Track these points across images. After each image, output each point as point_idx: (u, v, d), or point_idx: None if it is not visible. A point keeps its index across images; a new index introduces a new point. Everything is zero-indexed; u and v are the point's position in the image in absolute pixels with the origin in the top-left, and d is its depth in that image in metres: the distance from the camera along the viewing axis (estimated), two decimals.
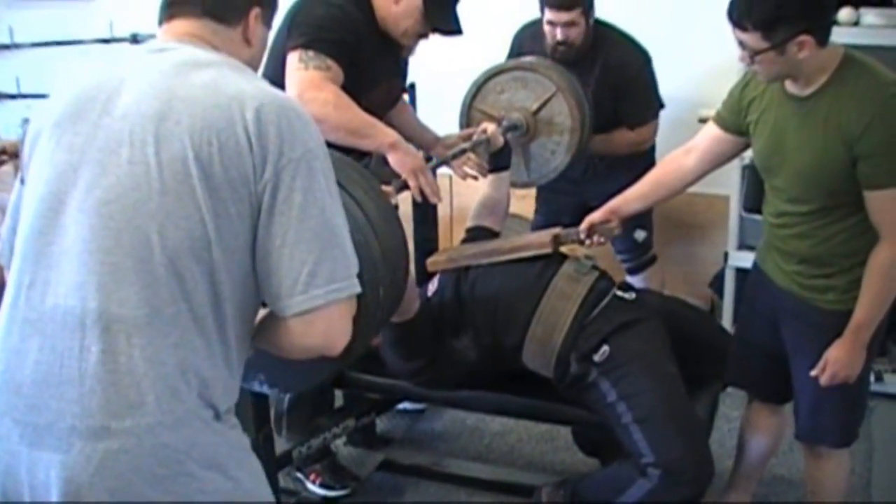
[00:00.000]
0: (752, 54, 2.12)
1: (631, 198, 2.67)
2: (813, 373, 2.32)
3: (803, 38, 2.05)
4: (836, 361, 2.29)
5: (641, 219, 3.51)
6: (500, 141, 2.93)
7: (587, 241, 2.68)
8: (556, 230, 2.74)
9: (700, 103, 3.70)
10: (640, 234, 3.65)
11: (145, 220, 1.39)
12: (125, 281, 1.39)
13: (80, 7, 4.89)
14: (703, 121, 3.54)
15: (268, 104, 1.45)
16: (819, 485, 2.59)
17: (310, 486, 3.02)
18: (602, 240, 2.69)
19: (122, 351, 1.38)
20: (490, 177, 2.99)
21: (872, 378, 2.85)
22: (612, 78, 3.38)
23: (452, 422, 3.54)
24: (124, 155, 1.42)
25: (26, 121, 4.52)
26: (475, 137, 2.89)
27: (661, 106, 3.52)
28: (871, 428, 3.31)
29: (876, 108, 2.09)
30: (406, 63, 2.97)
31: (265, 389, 2.10)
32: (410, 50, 2.82)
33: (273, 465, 2.60)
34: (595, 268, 2.66)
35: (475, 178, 3.00)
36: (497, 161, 2.95)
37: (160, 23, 1.61)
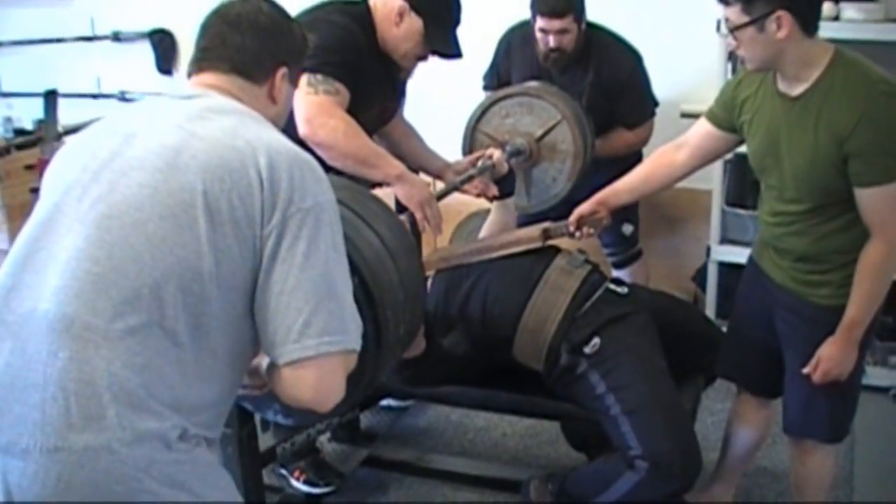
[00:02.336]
0: (733, 29, 2.13)
1: (620, 190, 2.67)
2: (805, 370, 2.32)
3: (780, 13, 2.04)
4: (829, 359, 2.29)
5: (628, 213, 3.52)
6: (505, 168, 2.94)
7: (576, 234, 2.69)
8: (546, 224, 2.75)
9: (682, 98, 3.72)
10: (627, 228, 3.65)
11: (141, 240, 1.41)
12: (105, 293, 1.39)
13: (62, 5, 4.88)
14: (685, 115, 3.58)
15: (283, 153, 1.50)
16: (803, 479, 2.60)
17: (294, 482, 3.01)
18: (591, 231, 2.69)
19: (87, 360, 1.37)
20: (494, 203, 3.01)
21: None
22: (607, 81, 3.38)
23: (437, 417, 3.54)
24: (135, 177, 1.45)
25: (8, 119, 4.50)
26: (480, 163, 2.91)
27: (656, 104, 3.53)
28: (853, 419, 3.33)
29: (865, 106, 2.08)
30: (404, 84, 2.97)
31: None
32: (409, 72, 2.84)
33: (257, 461, 2.59)
34: (588, 261, 2.67)
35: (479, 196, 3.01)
36: (501, 187, 2.96)
37: (189, 75, 1.67)
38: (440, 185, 2.98)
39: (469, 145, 3.21)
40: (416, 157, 2.97)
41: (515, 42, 3.54)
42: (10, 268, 1.47)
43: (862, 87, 2.11)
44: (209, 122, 1.51)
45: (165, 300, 1.40)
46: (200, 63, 1.65)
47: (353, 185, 2.19)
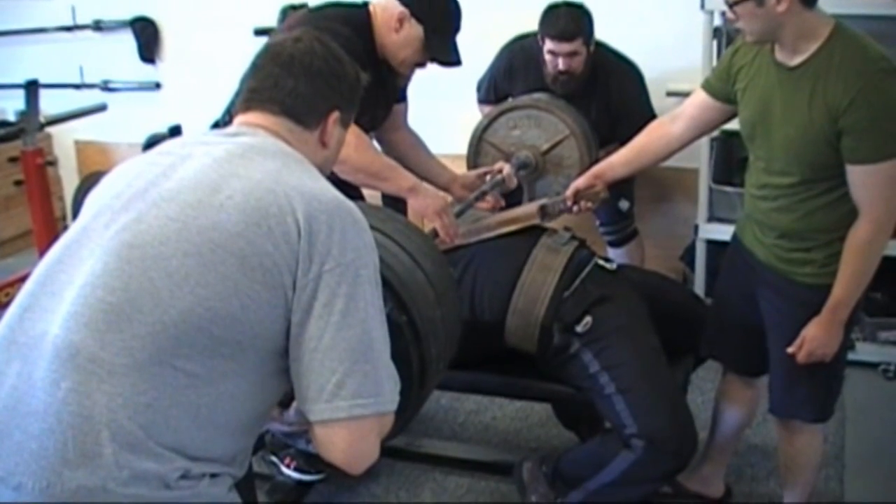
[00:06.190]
0: (732, 4, 2.11)
1: (616, 163, 2.67)
2: (790, 350, 2.31)
3: None
4: (814, 339, 2.28)
5: (625, 189, 3.53)
6: (515, 182, 2.94)
7: (574, 208, 2.68)
8: (543, 200, 2.75)
9: (668, 77, 3.71)
10: (623, 204, 3.66)
11: (161, 275, 1.36)
12: (116, 326, 1.34)
13: None
14: (671, 94, 3.57)
15: (325, 202, 1.44)
16: (791, 459, 2.60)
17: (284, 470, 3.00)
18: (589, 205, 2.69)
19: (88, 394, 1.31)
20: None
21: None
22: (614, 105, 3.41)
23: (426, 401, 3.52)
24: (165, 210, 1.41)
25: None
26: (489, 178, 2.91)
27: (654, 117, 3.53)
28: (843, 396, 3.31)
29: (862, 82, 2.06)
30: (404, 90, 2.95)
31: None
32: (407, 79, 2.82)
33: None
34: (574, 238, 2.66)
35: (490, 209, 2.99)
36: (508, 201, 2.95)
37: (235, 113, 1.63)
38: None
39: (474, 155, 3.19)
40: (422, 169, 2.95)
41: (518, 63, 3.52)
42: (30, 287, 1.44)
43: (860, 63, 2.08)
44: (252, 162, 1.46)
45: (180, 340, 1.34)
46: (249, 103, 1.61)
47: (398, 217, 2.19)
